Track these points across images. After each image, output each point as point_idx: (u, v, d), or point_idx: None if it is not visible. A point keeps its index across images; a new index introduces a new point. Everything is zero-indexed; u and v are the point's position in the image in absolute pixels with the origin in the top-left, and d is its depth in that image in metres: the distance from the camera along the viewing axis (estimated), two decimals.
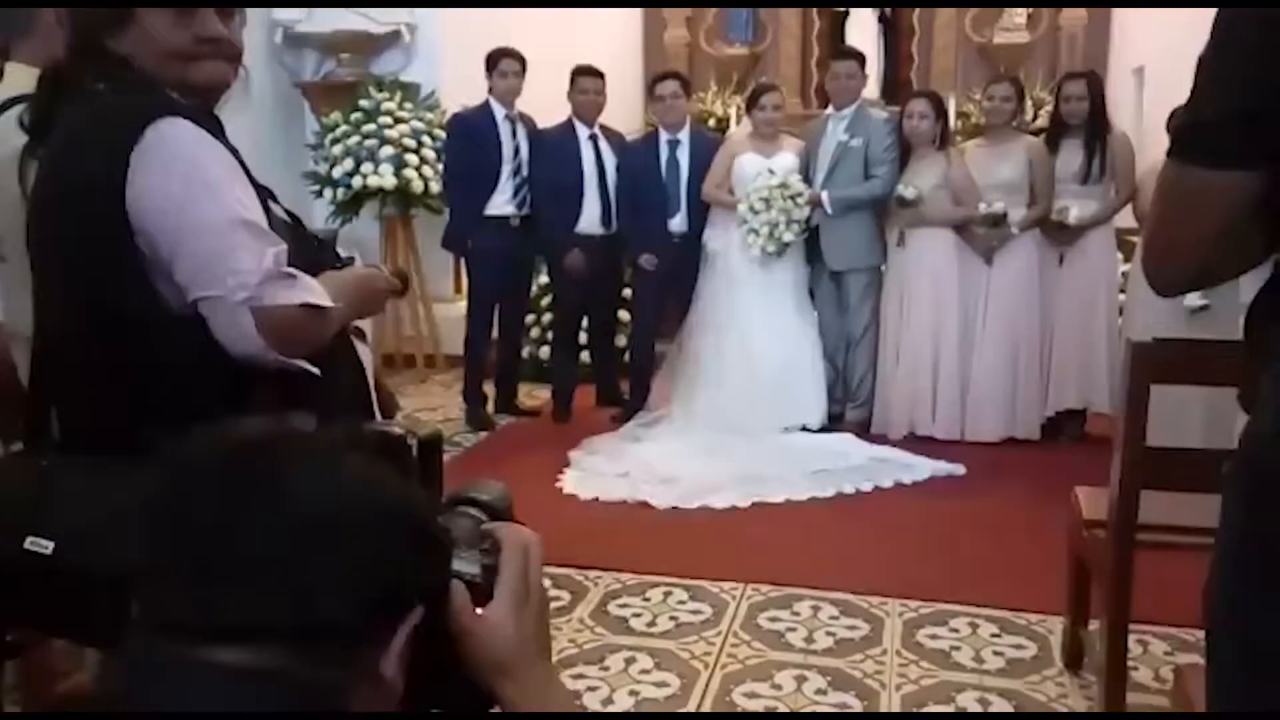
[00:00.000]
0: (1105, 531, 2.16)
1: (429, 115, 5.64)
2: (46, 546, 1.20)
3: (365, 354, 1.54)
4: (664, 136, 4.74)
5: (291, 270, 1.30)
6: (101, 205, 1.24)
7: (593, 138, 4.76)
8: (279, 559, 0.63)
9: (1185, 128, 0.95)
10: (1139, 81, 7.20)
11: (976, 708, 2.33)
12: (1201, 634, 2.60)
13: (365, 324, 1.63)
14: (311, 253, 1.44)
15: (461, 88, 5.24)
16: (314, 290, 1.31)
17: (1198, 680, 1.62)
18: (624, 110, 6.50)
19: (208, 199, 1.26)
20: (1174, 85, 4.80)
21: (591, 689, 2.42)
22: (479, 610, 0.76)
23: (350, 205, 5.54)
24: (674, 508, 3.64)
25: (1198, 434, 3.25)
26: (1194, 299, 3.95)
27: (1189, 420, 3.51)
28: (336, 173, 5.46)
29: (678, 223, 4.71)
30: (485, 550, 0.79)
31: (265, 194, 1.39)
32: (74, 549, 1.20)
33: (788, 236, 4.43)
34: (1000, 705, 2.34)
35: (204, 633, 0.63)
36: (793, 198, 4.39)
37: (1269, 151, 0.88)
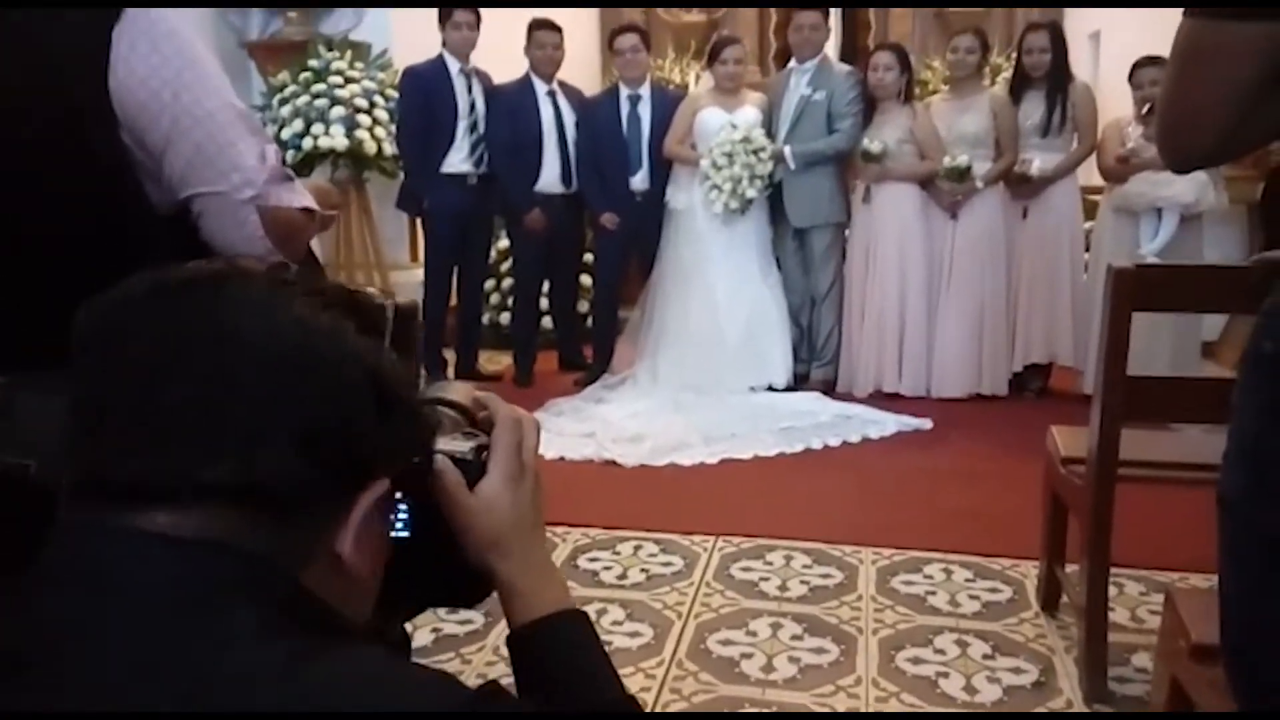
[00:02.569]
0: (1084, 468, 2.13)
1: (381, 75, 5.48)
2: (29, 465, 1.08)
3: None
4: (625, 92, 4.64)
5: (289, 171, 1.22)
6: (81, 93, 1.10)
7: (551, 94, 4.64)
8: (213, 406, 0.54)
9: None
10: (1095, 46, 7.23)
11: (955, 649, 2.29)
12: (1176, 575, 2.58)
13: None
14: None
15: (414, 48, 5.08)
16: (307, 194, 1.24)
17: (1188, 603, 1.59)
18: (582, 78, 6.38)
19: (204, 83, 1.14)
20: (1129, 49, 4.83)
21: None
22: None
23: (301, 168, 5.35)
24: (642, 465, 3.58)
25: (1165, 368, 3.25)
26: (1157, 245, 3.97)
27: (1157, 353, 3.52)
28: (285, 134, 5.28)
29: (640, 180, 4.62)
30: (471, 434, 0.74)
31: None
32: (44, 466, 1.09)
33: (751, 192, 4.36)
34: (978, 646, 2.31)
35: (132, 493, 0.54)
36: (755, 152, 4.32)
37: None
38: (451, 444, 0.72)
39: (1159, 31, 4.60)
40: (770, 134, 4.46)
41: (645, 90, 4.64)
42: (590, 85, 5.91)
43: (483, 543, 0.73)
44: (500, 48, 4.82)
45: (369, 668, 0.54)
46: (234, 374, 0.55)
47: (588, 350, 4.95)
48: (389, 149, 5.23)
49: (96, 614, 0.52)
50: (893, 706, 2.07)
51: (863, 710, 2.05)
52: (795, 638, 2.36)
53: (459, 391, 0.79)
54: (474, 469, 0.72)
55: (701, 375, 4.41)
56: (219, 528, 0.54)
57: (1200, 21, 0.88)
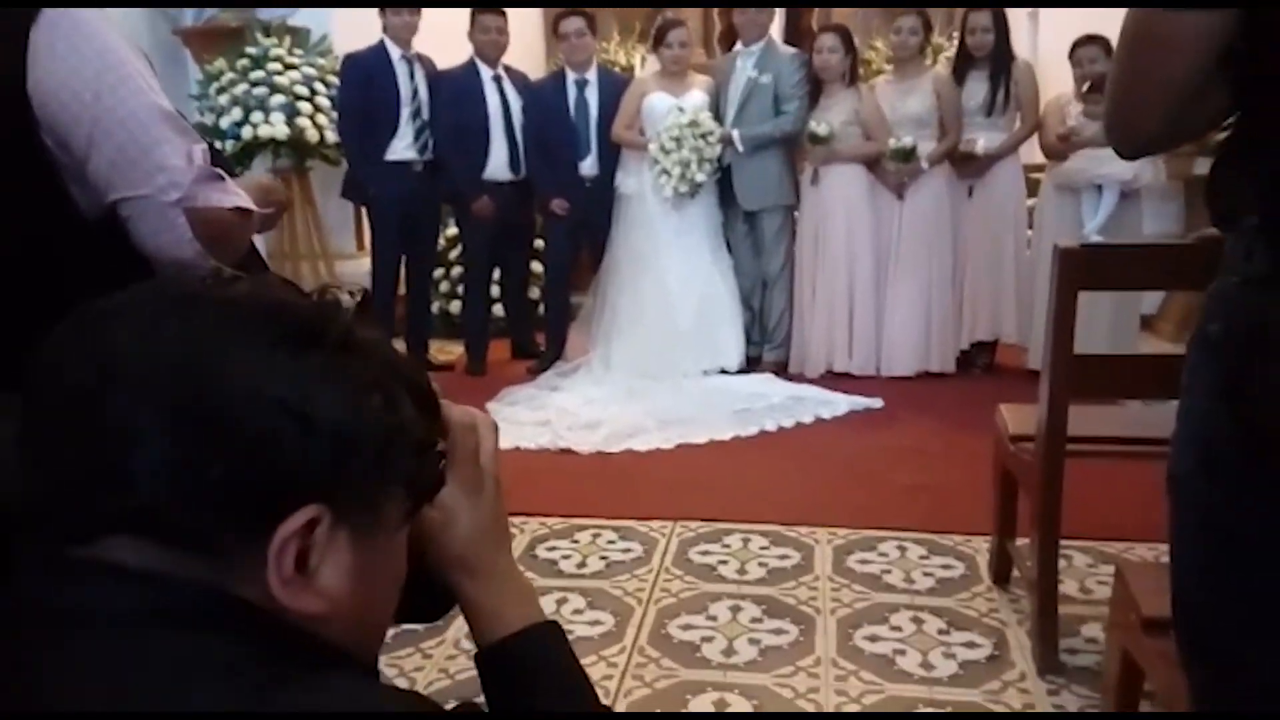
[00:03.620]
0: (1033, 445, 2.17)
1: (321, 61, 5.35)
2: None
3: None
4: (571, 76, 4.60)
5: (219, 171, 1.19)
6: None
7: (496, 79, 4.58)
8: (91, 435, 0.52)
9: None
10: (1033, 23, 7.32)
11: (911, 626, 2.33)
12: (1122, 545, 2.64)
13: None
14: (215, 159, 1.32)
15: (354, 34, 4.98)
16: (241, 193, 1.20)
17: (1138, 577, 1.63)
18: (525, 62, 6.31)
19: (126, 84, 1.11)
20: (1067, 25, 4.88)
21: None
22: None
23: (241, 158, 5.23)
24: (598, 452, 3.57)
25: (1103, 342, 3.31)
26: (1098, 223, 4.04)
27: (1095, 328, 3.59)
28: (224, 123, 5.14)
29: (589, 165, 4.59)
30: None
31: None
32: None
33: (700, 176, 4.36)
34: (934, 622, 2.34)
35: (72, 525, 0.53)
36: (703, 136, 4.32)
37: None
38: None
39: (1095, 10, 4.66)
40: (717, 117, 4.46)
41: (592, 74, 4.61)
42: (534, 70, 5.84)
43: (443, 558, 0.70)
44: (442, 32, 4.75)
45: (335, 700, 0.52)
46: (105, 403, 0.52)
47: (540, 338, 4.92)
48: (331, 137, 5.12)
49: (48, 651, 0.50)
50: (852, 685, 2.09)
51: (823, 690, 2.08)
52: (755, 620, 2.38)
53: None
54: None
55: (655, 360, 4.41)
56: (156, 559, 0.52)
57: (1147, 11, 0.90)
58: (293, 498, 0.53)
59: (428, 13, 4.57)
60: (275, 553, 0.53)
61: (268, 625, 0.54)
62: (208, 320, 0.54)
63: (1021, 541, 2.42)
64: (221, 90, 5.21)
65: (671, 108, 4.38)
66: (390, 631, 0.70)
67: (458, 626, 2.33)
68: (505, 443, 3.06)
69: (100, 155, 1.10)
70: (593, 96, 4.58)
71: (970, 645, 2.25)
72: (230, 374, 0.53)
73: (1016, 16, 7.42)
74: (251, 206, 1.21)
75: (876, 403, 4.11)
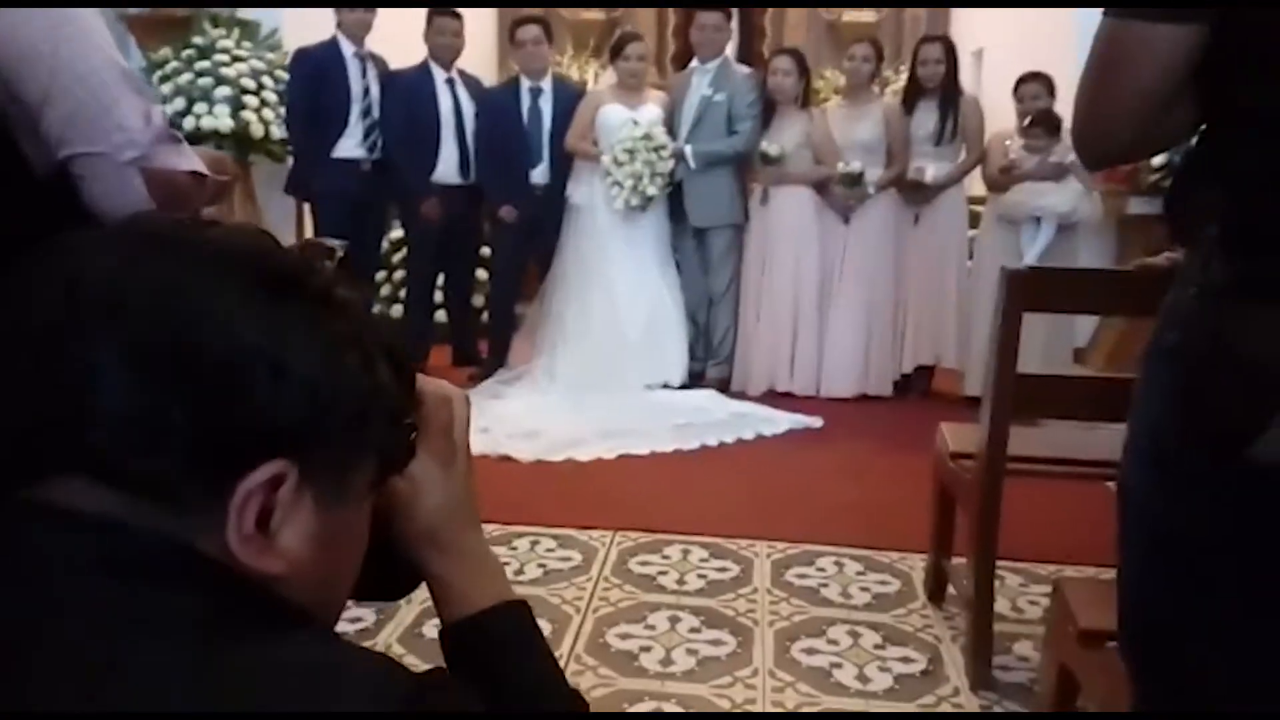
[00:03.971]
0: (973, 463, 2.20)
1: (270, 56, 5.26)
2: None
3: None
4: (526, 84, 4.58)
5: (176, 133, 1.16)
6: None
7: (450, 82, 4.55)
8: (46, 367, 0.50)
9: None
10: (977, 63, 7.52)
11: (847, 640, 2.34)
12: (1053, 567, 2.68)
13: None
14: None
15: (304, 30, 4.91)
16: (196, 158, 1.17)
17: (1075, 591, 1.66)
18: (477, 69, 6.28)
19: (85, 39, 1.08)
20: (1010, 66, 5.05)
21: None
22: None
23: (195, 145, 5.10)
24: (538, 460, 3.54)
25: (1037, 358, 3.37)
26: (1035, 253, 4.15)
27: (1028, 359, 3.67)
28: (167, 112, 5.02)
29: (540, 174, 4.57)
30: None
31: None
32: None
33: (651, 190, 4.38)
34: (870, 636, 2.36)
35: (10, 466, 0.50)
36: (656, 149, 4.34)
37: None
38: None
39: (1037, 51, 4.83)
40: (671, 132, 4.48)
41: (547, 83, 4.60)
42: (486, 77, 5.82)
43: (412, 532, 0.67)
44: (397, 33, 4.70)
45: (296, 657, 0.49)
46: (69, 334, 0.49)
47: (483, 345, 4.88)
48: (276, 132, 5.03)
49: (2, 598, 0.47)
50: (789, 697, 2.09)
51: (760, 701, 2.07)
52: (693, 630, 2.37)
53: None
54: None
55: (599, 372, 4.40)
56: (111, 504, 0.49)
57: (1120, 22, 0.91)
58: (259, 450, 0.51)
59: (383, 13, 4.53)
60: (237, 506, 0.50)
61: (227, 580, 0.51)
62: (183, 258, 0.52)
63: (957, 560, 2.45)
64: (165, 79, 5.08)
65: (626, 120, 4.40)
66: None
67: (388, 631, 2.28)
68: None
69: (55, 109, 1.06)
70: (546, 105, 4.57)
71: (905, 660, 2.26)
72: (203, 313, 0.50)
73: (962, 55, 7.66)
74: (206, 171, 1.18)
75: (816, 422, 4.15)
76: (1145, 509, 1.00)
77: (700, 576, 2.66)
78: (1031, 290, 1.99)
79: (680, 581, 2.63)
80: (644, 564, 2.73)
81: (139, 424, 0.49)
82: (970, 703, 2.10)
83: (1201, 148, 0.97)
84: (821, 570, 2.73)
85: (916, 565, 2.72)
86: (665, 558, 2.77)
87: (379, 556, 0.64)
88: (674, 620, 2.41)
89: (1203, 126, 0.97)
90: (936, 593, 2.56)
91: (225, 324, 0.50)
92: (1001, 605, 2.53)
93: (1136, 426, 1.03)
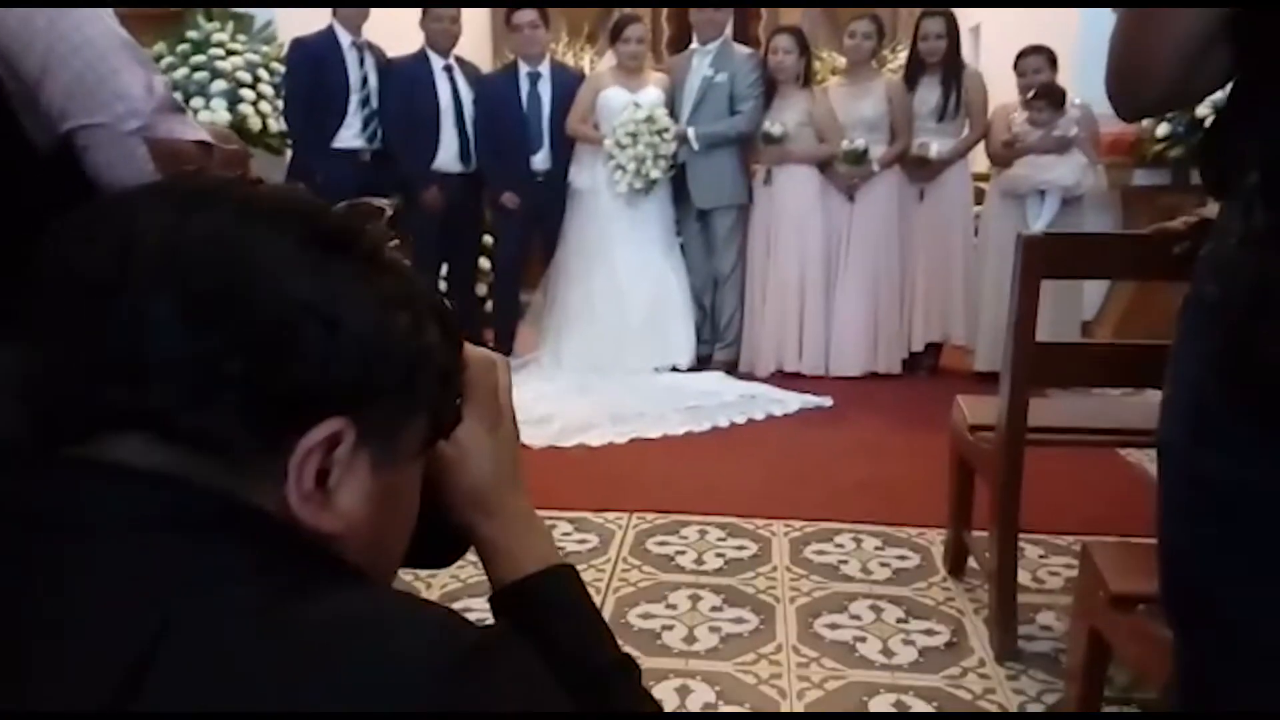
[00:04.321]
0: (992, 434, 2.19)
1: (265, 48, 5.22)
2: None
3: None
4: (524, 70, 4.56)
5: (180, 103, 1.14)
6: None
7: (448, 69, 4.52)
8: (101, 322, 0.49)
9: None
10: (975, 39, 7.48)
11: (870, 615, 2.33)
12: (1071, 538, 2.67)
13: None
14: None
15: (299, 21, 4.88)
16: (202, 128, 1.15)
17: (1103, 555, 1.65)
18: (472, 57, 6.25)
19: (79, 10, 1.06)
20: (1008, 41, 5.03)
21: (480, 622, 2.28)
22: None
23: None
24: (550, 446, 3.53)
25: (1045, 333, 3.36)
26: (1039, 227, 4.13)
27: (1039, 326, 3.65)
28: None
29: (540, 159, 4.55)
30: None
31: None
32: None
33: (655, 173, 4.36)
34: (892, 611, 2.35)
35: (76, 423, 0.49)
36: (659, 132, 4.32)
37: None
38: None
39: (1035, 24, 4.81)
40: (673, 115, 4.46)
41: (545, 68, 4.57)
42: (481, 64, 5.79)
43: (461, 496, 0.67)
44: (393, 21, 4.67)
45: (361, 606, 0.48)
46: (121, 288, 0.48)
47: (488, 334, 4.86)
48: (274, 125, 5.00)
49: (58, 556, 0.46)
50: (814, 672, 2.09)
51: (785, 676, 2.07)
52: (715, 609, 2.36)
53: None
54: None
55: (605, 356, 4.38)
56: (166, 460, 0.48)
57: None
58: (316, 408, 0.50)
59: (375, 11, 4.49)
60: (297, 464, 0.50)
61: (288, 536, 0.50)
62: (235, 212, 0.51)
63: (977, 534, 2.44)
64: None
65: (627, 103, 4.37)
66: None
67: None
68: None
69: (55, 82, 1.05)
70: (545, 90, 4.55)
71: (929, 633, 2.26)
72: (256, 267, 0.49)
73: (960, 30, 7.64)
74: (213, 141, 1.16)
75: (826, 401, 4.14)
76: (1188, 466, 0.99)
77: (719, 555, 2.65)
78: (1049, 256, 1.97)
79: (699, 561, 2.62)
80: (662, 544, 2.72)
81: (194, 376, 0.48)
82: (996, 673, 2.09)
83: (1237, 97, 0.95)
84: (840, 546, 2.72)
85: (935, 540, 2.72)
86: (683, 538, 2.76)
87: (426, 523, 0.64)
88: (695, 599, 2.40)
89: (1237, 76, 0.96)
90: (957, 566, 2.55)
91: (279, 278, 0.49)
92: (1022, 577, 2.51)
93: (1176, 383, 1.02)
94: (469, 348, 0.68)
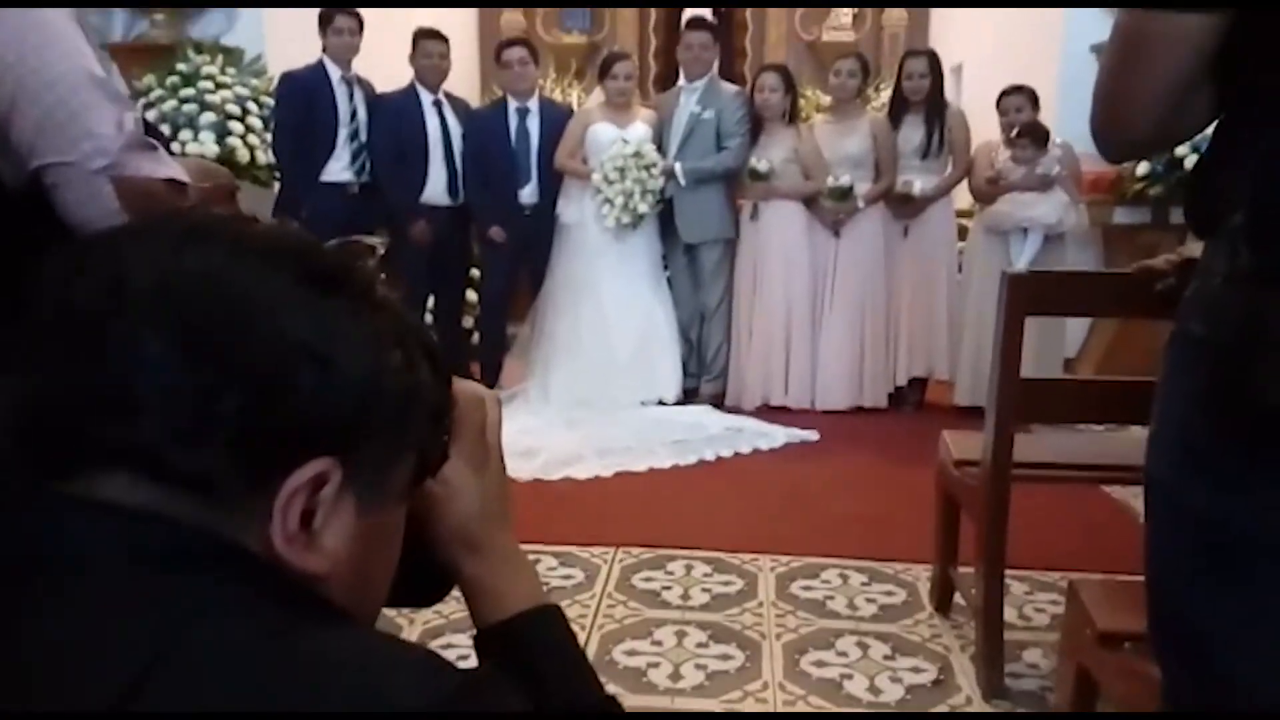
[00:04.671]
0: (978, 470, 2.19)
1: (254, 82, 5.25)
2: None
3: None
4: (513, 105, 4.59)
5: (151, 140, 1.13)
6: None
7: (437, 104, 4.55)
8: (93, 359, 0.48)
9: None
10: (957, 79, 7.59)
11: (856, 652, 2.32)
12: (1058, 574, 2.67)
13: None
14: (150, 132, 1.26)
15: (288, 55, 4.91)
16: (175, 165, 1.14)
17: (1091, 593, 1.65)
18: (461, 92, 6.29)
19: (52, 46, 1.05)
20: (988, 81, 5.13)
21: (462, 658, 2.25)
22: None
23: (188, 157, 5.08)
24: (536, 480, 3.51)
25: (1029, 369, 3.38)
26: (1022, 264, 4.17)
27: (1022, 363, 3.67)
28: None
29: (528, 193, 4.57)
30: None
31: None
32: None
33: (642, 207, 4.38)
34: (879, 647, 2.34)
35: (49, 460, 0.49)
36: (647, 167, 4.35)
37: None
38: None
39: (1016, 64, 4.90)
40: (661, 150, 4.50)
41: (534, 103, 4.61)
42: (470, 99, 5.83)
43: (447, 534, 0.67)
44: (383, 58, 4.70)
45: (347, 647, 0.48)
46: (114, 323, 0.48)
47: (474, 366, 4.85)
48: (263, 158, 5.01)
49: (46, 593, 0.46)
50: (800, 709, 2.07)
51: (772, 712, 2.05)
52: (700, 645, 2.34)
53: None
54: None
55: (592, 390, 4.38)
56: (153, 498, 0.48)
57: (1142, 12, 0.91)
58: (304, 447, 0.50)
59: (369, 36, 4.53)
60: (282, 505, 0.49)
61: (273, 576, 0.50)
62: (229, 249, 0.51)
63: (963, 569, 2.44)
64: (150, 106, 5.06)
65: (615, 138, 4.41)
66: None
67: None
68: None
69: (23, 119, 1.04)
70: (534, 125, 4.58)
71: (916, 670, 2.25)
72: (251, 304, 0.49)
73: (943, 69, 7.76)
74: (185, 179, 1.15)
75: (813, 435, 4.15)
76: (1178, 503, 0.99)
77: (705, 591, 2.64)
78: (1033, 293, 1.99)
79: (685, 596, 2.61)
80: (647, 580, 2.70)
81: (185, 412, 0.47)
82: (983, 711, 2.08)
83: (1221, 137, 0.97)
84: (826, 582, 2.71)
85: (921, 575, 2.71)
86: (669, 573, 2.75)
87: (410, 560, 0.63)
88: (680, 635, 2.39)
89: (1221, 116, 0.97)
90: (943, 602, 2.54)
91: (274, 315, 0.49)
92: (1009, 614, 2.50)
93: (1162, 419, 1.02)
94: (458, 383, 0.68)
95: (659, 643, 2.35)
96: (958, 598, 2.50)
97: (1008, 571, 2.63)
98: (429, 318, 4.91)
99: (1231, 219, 0.92)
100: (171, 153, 1.31)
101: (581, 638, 2.36)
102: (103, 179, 1.07)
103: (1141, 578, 1.05)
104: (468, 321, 5.13)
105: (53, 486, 0.48)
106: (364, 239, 0.65)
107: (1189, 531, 0.98)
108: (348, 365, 0.51)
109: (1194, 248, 1.16)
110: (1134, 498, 3.05)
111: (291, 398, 0.49)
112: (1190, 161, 1.03)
